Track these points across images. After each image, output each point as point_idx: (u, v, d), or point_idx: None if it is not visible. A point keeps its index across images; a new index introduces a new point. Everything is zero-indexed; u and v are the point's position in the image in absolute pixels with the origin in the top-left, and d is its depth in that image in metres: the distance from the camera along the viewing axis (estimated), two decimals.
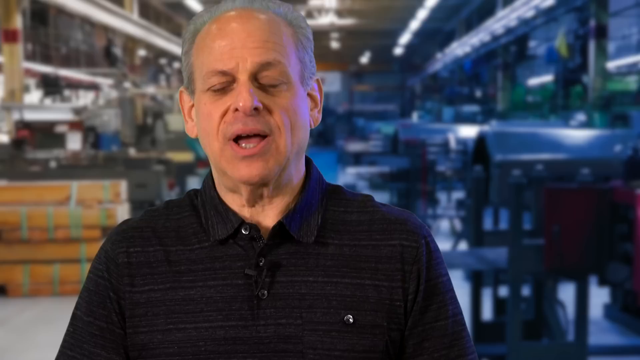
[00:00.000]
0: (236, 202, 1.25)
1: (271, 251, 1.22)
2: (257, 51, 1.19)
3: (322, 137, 34.58)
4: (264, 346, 1.19)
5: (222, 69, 1.19)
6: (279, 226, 1.22)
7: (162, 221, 1.28)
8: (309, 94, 1.26)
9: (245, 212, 1.25)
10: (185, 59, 1.26)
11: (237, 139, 1.19)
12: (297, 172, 1.26)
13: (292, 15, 1.26)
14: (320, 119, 1.30)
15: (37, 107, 14.74)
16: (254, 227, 1.23)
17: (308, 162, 1.30)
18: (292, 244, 1.23)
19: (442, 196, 13.89)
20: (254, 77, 1.19)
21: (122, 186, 8.57)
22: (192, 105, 1.27)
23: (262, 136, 1.19)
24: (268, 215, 1.25)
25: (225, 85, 1.20)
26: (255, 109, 1.18)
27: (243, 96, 1.17)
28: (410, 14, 29.87)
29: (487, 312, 6.24)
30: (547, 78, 23.69)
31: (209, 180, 1.29)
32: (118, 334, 1.24)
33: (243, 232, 1.23)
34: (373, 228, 1.26)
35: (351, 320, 1.20)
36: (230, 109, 1.19)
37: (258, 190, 1.23)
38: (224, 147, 1.20)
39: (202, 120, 1.22)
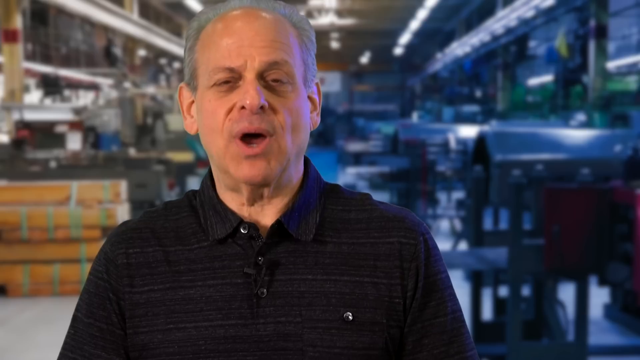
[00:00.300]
0: (235, 201, 1.25)
1: (270, 250, 1.22)
2: (265, 50, 1.19)
3: (322, 137, 34.60)
4: (263, 344, 1.19)
5: (230, 66, 1.19)
6: (278, 225, 1.23)
7: (160, 222, 1.28)
8: (309, 97, 1.26)
9: (244, 212, 1.25)
10: (189, 54, 1.26)
11: (243, 136, 1.19)
12: (297, 173, 1.27)
13: (297, 17, 1.26)
14: (319, 121, 1.30)
15: (37, 107, 14.73)
16: (253, 226, 1.23)
17: (306, 161, 1.30)
18: (291, 243, 1.23)
19: (442, 196, 13.89)
20: (261, 76, 1.19)
21: (122, 186, 8.57)
22: (192, 102, 1.27)
23: (265, 136, 1.19)
24: (267, 215, 1.25)
25: (231, 82, 1.20)
26: (262, 107, 1.18)
27: (250, 94, 1.17)
28: (410, 14, 29.87)
29: (487, 312, 6.25)
30: (547, 78, 23.69)
31: (207, 180, 1.29)
32: (118, 335, 1.24)
33: (242, 231, 1.23)
34: (371, 226, 1.26)
35: (350, 317, 1.20)
36: (236, 106, 1.19)
37: (259, 190, 1.23)
38: (229, 144, 1.19)
39: (206, 117, 1.22)
